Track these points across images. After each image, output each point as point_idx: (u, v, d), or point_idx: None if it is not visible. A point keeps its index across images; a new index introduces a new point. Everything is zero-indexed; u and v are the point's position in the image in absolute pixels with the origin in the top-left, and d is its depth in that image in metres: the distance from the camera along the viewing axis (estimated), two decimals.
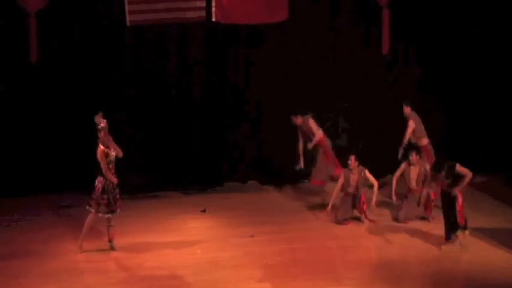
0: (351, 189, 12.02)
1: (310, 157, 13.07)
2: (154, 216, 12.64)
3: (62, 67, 13.61)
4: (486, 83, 14.78)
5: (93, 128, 10.59)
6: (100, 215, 10.65)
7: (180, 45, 14.02)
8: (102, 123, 10.36)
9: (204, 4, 12.84)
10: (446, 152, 14.77)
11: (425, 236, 11.39)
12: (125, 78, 13.83)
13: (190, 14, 12.89)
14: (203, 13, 12.89)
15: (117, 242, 10.92)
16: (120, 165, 10.80)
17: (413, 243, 11.15)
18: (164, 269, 10.20)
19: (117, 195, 10.70)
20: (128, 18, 12.70)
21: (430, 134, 13.25)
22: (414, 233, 11.56)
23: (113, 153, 10.48)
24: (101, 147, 10.40)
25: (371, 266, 10.28)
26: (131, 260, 10.55)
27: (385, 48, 13.46)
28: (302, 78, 14.38)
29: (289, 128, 14.10)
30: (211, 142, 14.23)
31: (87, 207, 10.66)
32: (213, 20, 12.97)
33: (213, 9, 12.85)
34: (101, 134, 10.39)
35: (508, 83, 14.70)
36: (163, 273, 10.07)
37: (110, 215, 10.71)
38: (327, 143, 13.00)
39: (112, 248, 10.85)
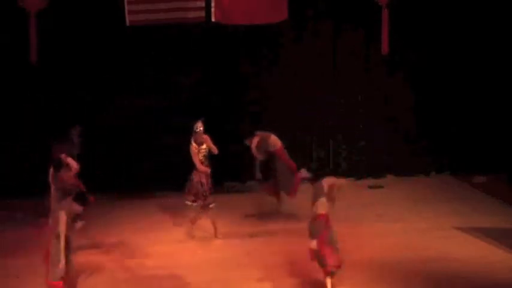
0: None
1: None
2: (155, 216, 12.65)
3: (62, 67, 13.62)
4: (486, 83, 14.77)
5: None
6: (195, 204, 11.18)
7: (180, 45, 14.03)
8: (199, 128, 11.11)
9: (204, 4, 12.82)
10: (447, 153, 14.90)
11: (424, 236, 11.40)
12: (125, 78, 13.83)
13: (190, 14, 12.88)
14: (203, 13, 12.87)
15: (117, 242, 10.92)
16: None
17: (412, 243, 11.14)
18: (164, 269, 10.20)
19: (210, 187, 11.25)
20: (128, 18, 12.69)
21: (430, 133, 13.20)
22: (414, 233, 11.57)
23: (204, 149, 11.15)
24: (193, 144, 11.16)
25: (371, 267, 10.27)
26: (131, 260, 10.56)
27: (385, 48, 13.46)
28: (302, 78, 14.38)
29: (289, 128, 14.12)
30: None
31: (185, 201, 11.19)
32: (213, 20, 12.96)
33: (213, 9, 12.84)
34: (195, 135, 11.11)
35: (508, 83, 14.70)
36: (163, 273, 10.07)
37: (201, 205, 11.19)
38: None
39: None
